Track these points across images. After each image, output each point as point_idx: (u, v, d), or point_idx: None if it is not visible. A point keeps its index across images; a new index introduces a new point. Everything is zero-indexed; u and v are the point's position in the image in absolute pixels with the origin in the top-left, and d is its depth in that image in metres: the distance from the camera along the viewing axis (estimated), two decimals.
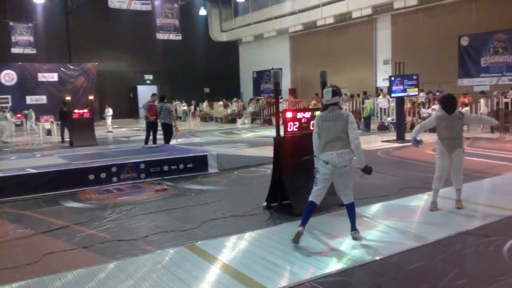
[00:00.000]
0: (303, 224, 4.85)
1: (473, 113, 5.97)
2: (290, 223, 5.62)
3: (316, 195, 4.92)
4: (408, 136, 6.66)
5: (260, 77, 36.50)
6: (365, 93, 21.22)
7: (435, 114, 6.13)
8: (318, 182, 4.91)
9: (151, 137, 13.68)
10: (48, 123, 21.90)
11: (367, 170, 4.89)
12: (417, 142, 6.07)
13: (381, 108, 20.14)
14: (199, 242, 5.06)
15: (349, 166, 4.83)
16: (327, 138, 4.85)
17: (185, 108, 31.33)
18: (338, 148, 4.79)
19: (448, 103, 5.97)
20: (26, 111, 23.54)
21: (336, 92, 4.89)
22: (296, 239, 4.74)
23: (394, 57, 25.15)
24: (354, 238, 4.90)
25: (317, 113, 5.27)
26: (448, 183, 6.46)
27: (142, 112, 34.20)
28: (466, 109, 17.29)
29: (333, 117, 4.86)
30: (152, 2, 26.66)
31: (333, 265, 4.27)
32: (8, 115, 19.58)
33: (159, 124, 13.37)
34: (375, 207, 6.38)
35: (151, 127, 13.68)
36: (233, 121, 27.72)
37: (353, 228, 4.97)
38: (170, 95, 26.87)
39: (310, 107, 20.38)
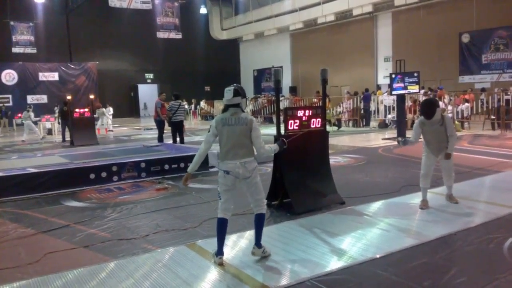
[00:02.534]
0: (221, 251, 4.33)
1: (453, 124, 5.95)
2: (291, 221, 5.62)
3: (223, 209, 4.37)
4: (408, 134, 6.65)
5: (260, 75, 36.47)
6: (367, 90, 21.21)
7: (417, 121, 6.14)
8: (221, 195, 4.37)
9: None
10: (49, 122, 21.89)
11: (281, 146, 4.56)
12: (404, 142, 6.14)
13: (385, 106, 20.09)
14: (199, 240, 5.06)
15: (252, 177, 4.32)
16: (228, 144, 4.28)
17: (186, 106, 31.27)
18: (241, 156, 4.26)
19: (425, 109, 5.97)
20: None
21: (239, 92, 4.33)
22: (221, 266, 4.28)
23: (395, 54, 25.14)
24: (253, 254, 4.44)
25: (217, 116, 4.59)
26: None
27: (143, 112, 34.67)
28: (466, 105, 17.30)
29: (235, 120, 4.29)
30: (152, 1, 26.65)
31: (334, 263, 4.27)
32: (32, 114, 19.62)
33: (170, 121, 13.32)
34: (376, 205, 6.37)
35: (162, 125, 13.71)
36: None
37: (257, 243, 4.45)
38: (171, 93, 26.83)
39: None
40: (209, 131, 4.47)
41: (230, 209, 4.44)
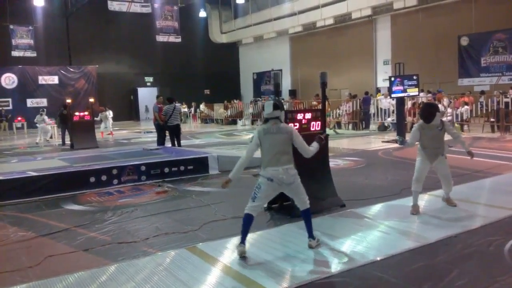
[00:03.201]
0: (244, 240, 4.60)
1: (454, 128, 5.94)
2: (291, 224, 5.62)
3: (254, 209, 4.65)
4: (408, 136, 6.68)
5: (260, 78, 36.51)
6: (366, 93, 21.23)
7: (416, 125, 6.08)
8: (257, 198, 4.63)
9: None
10: (49, 126, 21.86)
11: (321, 140, 4.89)
12: (402, 142, 6.12)
13: (381, 109, 20.13)
14: (200, 244, 5.06)
15: (296, 182, 4.65)
16: (272, 151, 4.56)
17: (186, 110, 31.35)
18: (283, 163, 4.54)
19: (424, 113, 5.94)
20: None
21: (278, 106, 4.66)
22: (242, 256, 4.54)
23: (394, 57, 25.18)
24: (310, 247, 4.73)
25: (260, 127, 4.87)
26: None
27: (144, 115, 34.67)
28: (466, 108, 17.32)
29: (276, 129, 4.60)
30: (152, 4, 26.69)
31: (334, 266, 4.27)
32: (46, 117, 19.65)
33: (166, 125, 13.32)
34: (376, 208, 6.38)
35: (161, 129, 13.70)
36: (234, 122, 27.73)
37: (310, 235, 4.79)
38: (168, 97, 26.85)
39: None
40: (251, 141, 4.76)
41: (259, 209, 4.78)
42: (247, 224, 4.62)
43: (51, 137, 20.55)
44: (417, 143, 6.10)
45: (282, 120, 4.75)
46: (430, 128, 5.84)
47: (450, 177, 6.13)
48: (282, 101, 23.24)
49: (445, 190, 6.25)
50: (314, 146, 4.84)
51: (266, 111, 4.68)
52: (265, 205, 6.24)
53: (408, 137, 6.30)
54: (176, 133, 13.13)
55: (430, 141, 5.89)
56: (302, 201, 4.75)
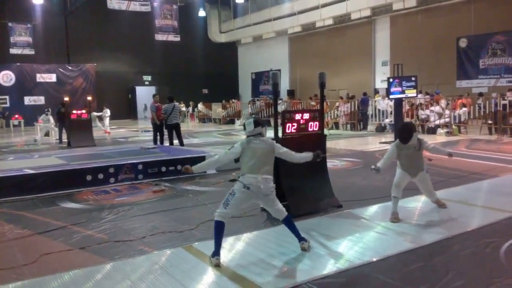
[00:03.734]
0: (218, 251, 4.41)
1: (431, 143, 5.88)
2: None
3: (223, 215, 4.50)
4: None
5: (259, 78, 36.52)
6: (364, 94, 21.25)
7: (393, 144, 5.98)
8: (229, 204, 4.49)
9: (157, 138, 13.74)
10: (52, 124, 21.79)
11: (318, 156, 4.89)
12: (376, 170, 5.73)
13: (379, 110, 20.15)
14: (196, 243, 5.05)
15: (272, 194, 4.57)
16: (253, 159, 4.51)
17: (183, 109, 31.33)
18: (264, 172, 4.48)
19: (401, 133, 5.84)
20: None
21: (259, 122, 4.73)
22: (217, 268, 4.33)
23: (393, 58, 25.22)
24: (303, 249, 4.66)
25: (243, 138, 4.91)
26: (446, 185, 6.49)
27: (142, 113, 34.62)
28: (464, 110, 17.34)
29: (259, 142, 4.63)
30: (151, 3, 26.68)
31: (331, 267, 4.26)
32: (51, 117, 19.61)
33: (165, 124, 13.32)
34: (373, 209, 6.37)
35: (158, 128, 13.70)
36: (232, 122, 27.73)
37: (300, 239, 4.71)
38: (169, 96, 26.84)
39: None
40: (229, 149, 4.73)
41: (229, 216, 4.58)
42: (220, 232, 4.46)
43: (46, 135, 20.49)
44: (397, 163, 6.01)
45: (264, 135, 4.77)
46: (407, 148, 5.74)
47: (432, 189, 6.12)
48: (280, 101, 23.39)
49: (430, 199, 6.25)
50: (307, 154, 4.85)
51: (248, 129, 4.70)
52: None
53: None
54: (176, 132, 13.14)
55: (407, 160, 5.81)
56: (279, 210, 4.67)
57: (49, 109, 20.61)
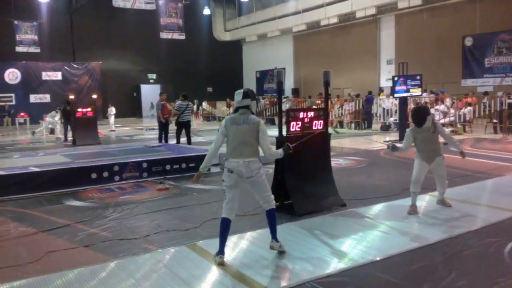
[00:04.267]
0: (222, 250, 4.38)
1: (446, 129, 5.98)
2: (292, 223, 5.63)
3: (227, 208, 4.43)
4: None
5: (263, 76, 36.50)
6: (370, 92, 21.20)
7: (408, 129, 6.11)
8: (225, 193, 4.45)
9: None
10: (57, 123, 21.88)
11: (287, 150, 4.60)
12: (393, 148, 5.97)
13: (383, 109, 20.09)
14: (200, 241, 5.07)
15: (256, 176, 4.40)
16: (234, 142, 4.39)
17: (194, 107, 31.30)
18: (246, 156, 4.34)
19: (415, 116, 5.96)
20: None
21: (248, 94, 4.51)
22: (221, 266, 4.32)
23: (398, 57, 25.12)
24: (271, 248, 4.59)
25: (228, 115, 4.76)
26: (450, 185, 6.48)
27: (147, 112, 34.67)
28: (469, 109, 17.27)
29: (243, 120, 4.43)
30: (156, 1, 26.70)
31: (334, 265, 4.27)
32: (58, 115, 19.76)
33: (177, 121, 13.35)
34: (377, 208, 6.37)
35: (164, 126, 13.74)
36: None
37: (273, 237, 4.61)
38: (173, 94, 26.92)
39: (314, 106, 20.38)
40: (218, 131, 4.59)
41: (234, 209, 4.49)
42: (225, 230, 4.41)
43: (52, 133, 20.57)
44: (414, 150, 6.11)
45: (253, 110, 4.57)
46: (422, 131, 5.85)
47: (446, 178, 6.17)
48: (285, 99, 23.37)
49: (439, 190, 6.29)
50: (277, 152, 4.66)
51: (236, 99, 4.55)
52: None
53: (400, 143, 6.26)
54: (186, 129, 13.19)
55: (424, 144, 5.91)
56: (265, 199, 4.55)
57: (60, 107, 20.73)
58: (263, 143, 4.44)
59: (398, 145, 6.05)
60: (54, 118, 19.64)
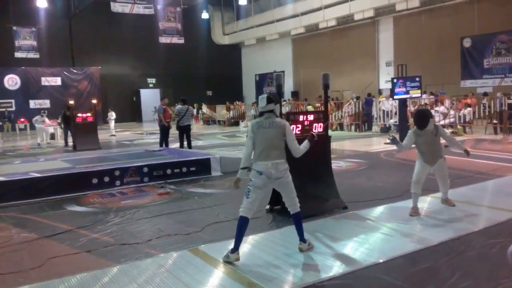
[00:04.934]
0: (238, 247, 4.47)
1: (448, 131, 6.18)
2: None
3: (247, 208, 4.53)
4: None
5: (262, 80, 36.52)
6: (369, 95, 21.22)
7: (411, 130, 6.14)
8: (250, 193, 4.53)
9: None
10: (52, 127, 21.92)
11: (312, 138, 4.84)
12: (393, 140, 5.98)
13: (383, 111, 20.11)
14: (202, 245, 5.06)
15: (285, 177, 4.57)
16: (262, 145, 4.53)
17: (194, 111, 31.29)
18: (273, 158, 4.49)
19: (417, 119, 6.02)
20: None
21: (272, 99, 4.65)
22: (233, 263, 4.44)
23: (397, 59, 25.14)
24: (300, 250, 4.71)
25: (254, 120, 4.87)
26: (451, 186, 6.48)
27: (148, 116, 34.67)
28: (468, 110, 17.28)
29: (269, 124, 4.58)
30: (154, 6, 26.71)
31: (337, 268, 4.27)
32: (46, 119, 19.71)
33: (177, 126, 13.37)
34: (379, 210, 6.37)
35: (165, 130, 13.77)
36: (236, 124, 27.74)
37: (301, 239, 4.76)
38: (173, 98, 26.92)
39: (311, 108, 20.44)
40: (247, 136, 4.73)
41: (253, 210, 4.60)
42: (242, 228, 4.50)
43: (52, 138, 20.56)
44: (416, 152, 6.14)
45: (277, 113, 4.73)
46: (424, 133, 5.89)
47: (447, 178, 6.22)
48: (284, 102, 23.39)
49: (442, 190, 6.34)
50: (305, 145, 4.79)
51: (261, 105, 4.69)
52: (267, 207, 6.25)
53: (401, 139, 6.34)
54: (187, 133, 13.22)
55: (426, 146, 5.94)
56: (292, 202, 4.70)
57: (45, 111, 20.65)
58: (292, 144, 4.66)
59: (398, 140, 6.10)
60: (43, 123, 19.44)
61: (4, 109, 27.28)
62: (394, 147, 6.52)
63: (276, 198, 6.34)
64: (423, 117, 5.94)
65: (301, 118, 6.28)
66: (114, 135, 22.46)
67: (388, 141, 6.15)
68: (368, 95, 21.12)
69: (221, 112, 29.46)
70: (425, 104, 18.74)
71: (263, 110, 4.68)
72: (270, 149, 4.52)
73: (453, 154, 9.18)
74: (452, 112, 17.40)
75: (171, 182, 8.97)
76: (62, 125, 18.32)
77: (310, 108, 22.04)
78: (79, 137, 16.29)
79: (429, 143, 5.92)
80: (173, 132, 14.10)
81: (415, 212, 5.96)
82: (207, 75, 37.44)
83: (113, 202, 7.56)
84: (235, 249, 4.46)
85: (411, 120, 17.41)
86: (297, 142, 4.69)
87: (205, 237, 5.39)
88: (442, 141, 6.11)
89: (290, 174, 4.65)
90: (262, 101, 4.66)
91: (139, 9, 25.61)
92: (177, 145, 13.60)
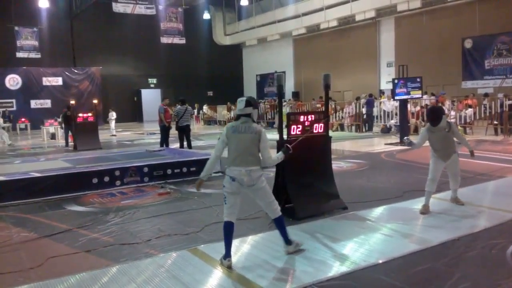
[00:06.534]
0: (229, 253, 4.42)
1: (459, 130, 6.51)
2: (293, 227, 5.60)
3: (228, 213, 4.49)
4: (412, 139, 6.79)
5: (263, 80, 36.53)
6: (370, 95, 21.20)
7: (424, 128, 6.34)
8: (226, 199, 4.50)
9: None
10: (52, 127, 21.96)
11: (287, 151, 4.63)
12: (409, 143, 6.37)
13: (384, 111, 20.10)
14: (202, 245, 5.06)
15: (257, 184, 4.44)
16: (236, 151, 4.43)
17: (194, 111, 31.30)
18: (247, 164, 4.38)
19: (430, 116, 6.16)
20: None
21: (250, 103, 4.53)
22: (229, 269, 4.36)
23: (398, 59, 25.13)
24: (288, 253, 4.66)
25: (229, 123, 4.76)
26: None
27: (149, 116, 34.66)
28: (469, 110, 17.26)
29: (245, 129, 4.45)
30: (156, 6, 26.71)
31: (336, 269, 4.26)
32: (1, 120, 19.51)
33: (176, 126, 13.37)
34: (378, 210, 6.36)
35: (166, 131, 13.77)
36: None
37: (286, 242, 4.68)
38: (174, 98, 26.90)
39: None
40: (219, 138, 4.64)
41: (235, 213, 4.54)
42: (228, 233, 4.45)
43: (53, 138, 20.52)
44: (427, 145, 6.25)
45: (254, 119, 4.60)
46: (437, 130, 6.01)
47: (459, 174, 6.33)
48: (285, 103, 23.38)
49: (452, 188, 6.42)
50: (278, 156, 4.63)
51: (238, 107, 4.57)
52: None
53: (413, 139, 6.50)
54: (186, 134, 13.22)
55: (439, 142, 6.07)
56: (271, 208, 4.61)
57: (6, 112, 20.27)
58: (264, 152, 4.47)
59: (413, 140, 6.37)
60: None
61: (5, 109, 27.28)
62: (395, 147, 6.51)
63: (276, 198, 6.34)
64: (436, 113, 6.09)
65: (302, 118, 6.27)
66: (115, 135, 22.48)
67: (404, 143, 6.45)
68: (369, 95, 21.10)
69: (222, 112, 29.46)
70: (426, 105, 18.71)
71: (240, 113, 4.56)
72: (245, 155, 4.41)
73: None
74: (452, 113, 17.38)
75: (171, 182, 8.97)
76: (63, 125, 18.33)
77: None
78: (79, 137, 16.31)
79: (442, 139, 6.05)
80: (174, 132, 14.08)
81: (425, 210, 6.05)
82: (208, 76, 37.46)
83: (113, 202, 7.56)
84: (227, 255, 4.41)
85: (412, 121, 17.47)
86: (269, 151, 4.51)
87: (205, 237, 5.39)
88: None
89: (264, 180, 4.53)
90: (241, 103, 4.54)
91: (140, 10, 25.60)
92: (177, 145, 13.60)
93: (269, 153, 4.51)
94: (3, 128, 19.08)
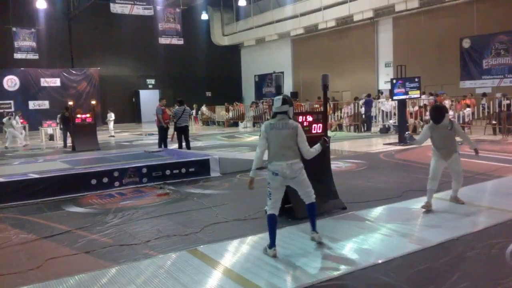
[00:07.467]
0: (274, 243, 4.65)
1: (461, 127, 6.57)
2: (292, 227, 5.61)
3: (272, 207, 4.75)
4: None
5: (262, 80, 36.51)
6: (368, 95, 21.21)
7: (426, 125, 6.38)
8: (271, 195, 4.74)
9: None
10: (51, 128, 21.93)
11: (324, 143, 5.01)
12: (410, 138, 6.32)
13: (383, 111, 20.11)
14: (201, 246, 5.05)
15: (299, 175, 4.75)
16: (276, 146, 4.70)
17: (192, 112, 31.28)
18: (288, 158, 4.66)
19: (433, 113, 6.21)
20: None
21: (287, 100, 4.77)
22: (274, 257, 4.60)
23: (396, 59, 25.16)
24: (312, 239, 4.96)
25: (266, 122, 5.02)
26: (450, 186, 6.48)
27: (147, 117, 34.65)
28: (468, 110, 17.29)
29: (282, 125, 4.72)
30: (154, 7, 26.70)
31: (336, 269, 4.26)
32: (14, 122, 19.50)
33: (175, 127, 13.37)
34: (378, 210, 6.36)
35: (163, 131, 13.77)
36: (235, 124, 27.73)
37: (313, 229, 5.00)
38: (173, 99, 26.91)
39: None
40: (260, 136, 4.88)
41: (278, 207, 4.80)
42: (272, 225, 4.68)
43: (51, 139, 20.50)
44: (429, 144, 6.27)
45: (291, 115, 4.84)
46: (440, 128, 6.07)
47: (461, 173, 6.36)
48: None
49: (454, 187, 6.45)
50: (316, 148, 4.93)
51: (275, 105, 4.79)
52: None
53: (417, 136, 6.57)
54: (185, 134, 13.22)
55: (441, 140, 6.12)
56: (307, 194, 4.89)
57: (13, 113, 20.34)
58: (302, 146, 4.77)
59: (415, 136, 6.40)
60: (11, 127, 18.80)
61: (2, 111, 27.21)
62: (394, 147, 6.52)
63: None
64: (439, 111, 6.14)
65: (300, 119, 6.27)
66: (113, 136, 22.47)
67: (406, 138, 6.42)
68: (368, 95, 21.11)
69: (221, 113, 29.46)
70: (424, 104, 18.73)
71: (277, 111, 4.78)
72: (285, 150, 4.67)
73: None
74: (451, 112, 17.39)
75: (170, 183, 8.96)
76: (61, 126, 18.30)
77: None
78: (78, 138, 16.29)
79: (444, 138, 6.09)
80: (171, 133, 14.04)
81: (428, 206, 6.11)
82: (206, 76, 37.46)
83: (112, 203, 7.55)
84: (272, 244, 4.63)
85: (410, 121, 17.48)
86: (307, 144, 4.81)
87: (204, 238, 5.38)
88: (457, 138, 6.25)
89: (304, 172, 4.81)
90: (277, 102, 4.77)
91: (138, 10, 25.57)
92: (175, 146, 13.59)
93: (307, 146, 4.81)
94: (13, 127, 18.81)
